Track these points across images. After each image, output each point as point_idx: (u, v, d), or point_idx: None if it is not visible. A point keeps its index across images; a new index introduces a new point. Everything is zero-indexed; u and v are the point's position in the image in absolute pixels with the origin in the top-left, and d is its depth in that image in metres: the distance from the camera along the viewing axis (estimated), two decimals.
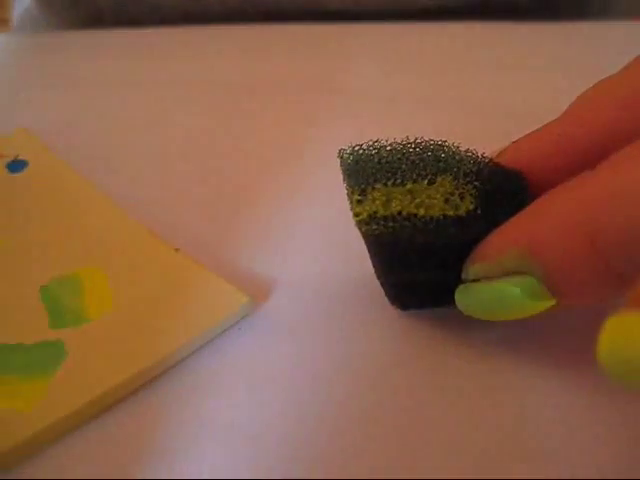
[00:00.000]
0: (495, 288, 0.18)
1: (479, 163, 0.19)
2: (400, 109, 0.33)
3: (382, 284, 0.21)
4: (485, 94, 0.34)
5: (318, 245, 0.24)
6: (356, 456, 0.18)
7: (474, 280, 0.19)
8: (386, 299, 0.21)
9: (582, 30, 0.39)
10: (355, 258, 0.21)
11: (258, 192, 0.28)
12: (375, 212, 0.18)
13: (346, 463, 0.18)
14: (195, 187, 0.28)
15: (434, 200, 0.18)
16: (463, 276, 0.19)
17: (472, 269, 0.19)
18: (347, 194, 0.18)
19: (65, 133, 0.32)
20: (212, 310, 0.21)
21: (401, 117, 0.32)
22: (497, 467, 0.17)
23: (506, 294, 0.18)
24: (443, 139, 0.19)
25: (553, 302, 0.17)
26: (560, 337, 0.20)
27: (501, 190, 0.18)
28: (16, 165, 0.29)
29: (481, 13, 0.41)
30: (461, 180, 0.18)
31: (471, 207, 0.18)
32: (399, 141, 0.19)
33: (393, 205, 0.18)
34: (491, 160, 0.19)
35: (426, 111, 0.32)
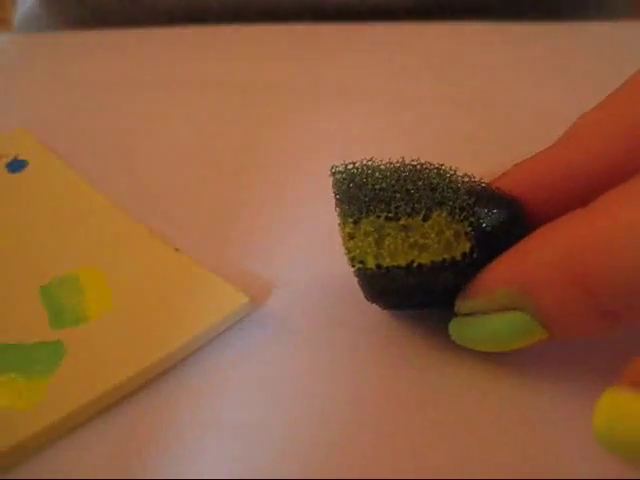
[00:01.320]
0: (488, 323, 0.18)
1: (476, 193, 0.18)
2: (400, 109, 0.33)
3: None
4: (485, 94, 0.34)
5: (318, 245, 0.24)
6: (356, 456, 0.18)
7: (467, 314, 0.19)
8: None
9: (582, 30, 0.39)
10: None
11: (258, 192, 0.28)
12: (367, 251, 0.17)
13: (346, 463, 0.18)
14: (195, 187, 0.28)
15: (428, 240, 0.17)
16: (456, 310, 0.19)
17: (465, 305, 0.19)
18: (339, 223, 0.18)
19: (65, 133, 0.32)
20: (212, 310, 0.21)
21: (401, 117, 0.32)
22: (496, 467, 0.17)
23: (499, 329, 0.18)
24: (440, 163, 0.19)
25: (545, 336, 0.17)
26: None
27: (498, 226, 0.18)
28: (16, 165, 0.29)
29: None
30: (457, 216, 0.18)
31: (467, 249, 0.17)
32: (394, 162, 0.19)
33: (386, 244, 0.17)
34: (488, 187, 0.19)
35: (426, 111, 0.32)
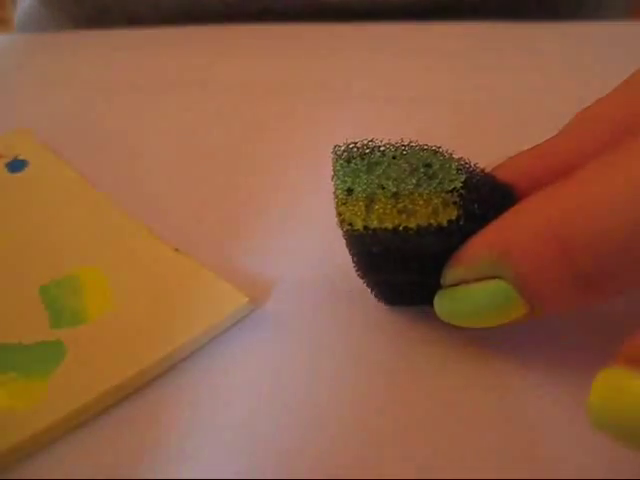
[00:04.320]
0: (469, 292, 0.18)
1: (469, 172, 0.19)
2: (400, 109, 0.33)
3: (364, 282, 0.21)
4: (486, 94, 0.34)
5: (318, 245, 0.24)
6: (357, 456, 0.18)
7: (452, 286, 0.19)
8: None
9: (582, 30, 0.39)
10: None
11: (258, 192, 0.28)
12: (357, 213, 0.18)
13: (346, 463, 0.18)
14: (195, 187, 0.28)
15: (417, 207, 0.18)
16: (442, 281, 0.19)
17: (449, 274, 0.19)
18: (333, 192, 0.19)
19: (65, 133, 0.32)
20: (212, 310, 0.21)
21: (401, 118, 0.32)
22: (496, 467, 0.17)
23: (480, 299, 0.18)
24: (437, 145, 0.19)
25: (526, 308, 0.17)
26: (560, 336, 0.20)
27: (487, 201, 0.18)
28: (16, 165, 0.29)
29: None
30: (446, 187, 0.18)
31: (453, 217, 0.18)
32: (394, 142, 0.19)
33: (375, 208, 0.18)
34: (482, 171, 0.19)
35: (426, 111, 0.32)
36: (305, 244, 0.25)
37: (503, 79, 0.35)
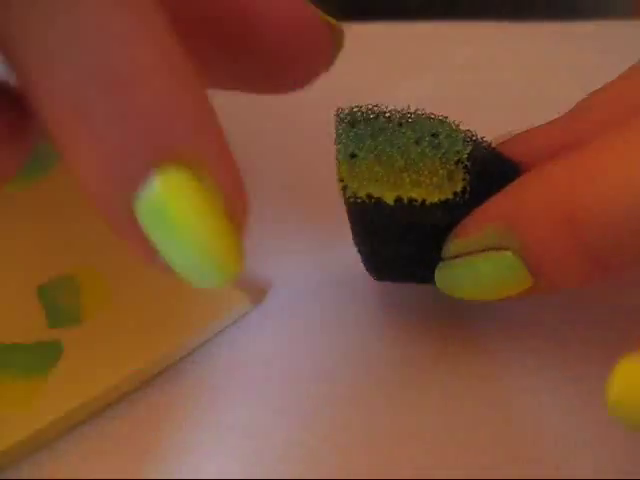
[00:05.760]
0: (473, 263, 0.18)
1: (476, 145, 0.18)
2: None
3: (359, 251, 0.21)
4: (486, 94, 0.34)
5: (317, 245, 0.24)
6: (357, 456, 0.18)
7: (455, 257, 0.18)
8: (385, 298, 0.21)
9: (582, 30, 0.39)
10: (354, 258, 0.21)
11: (257, 191, 0.27)
12: (360, 180, 0.18)
13: (346, 463, 0.18)
14: None
15: (422, 177, 0.17)
16: (443, 254, 0.19)
17: (452, 245, 0.18)
18: (335, 156, 0.18)
19: None
20: (210, 310, 0.21)
21: None
22: (496, 467, 0.17)
23: (484, 270, 0.18)
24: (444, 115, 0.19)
25: (530, 281, 0.17)
26: (560, 336, 0.20)
27: (492, 174, 0.18)
28: None
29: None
30: (452, 159, 0.18)
31: (459, 189, 0.17)
32: (399, 109, 0.19)
33: (379, 175, 0.18)
34: (489, 145, 0.19)
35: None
36: (305, 244, 0.24)
37: (503, 79, 0.35)
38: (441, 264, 0.19)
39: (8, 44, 0.13)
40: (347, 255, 0.20)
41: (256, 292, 0.22)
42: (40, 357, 0.20)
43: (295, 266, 0.24)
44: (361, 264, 0.21)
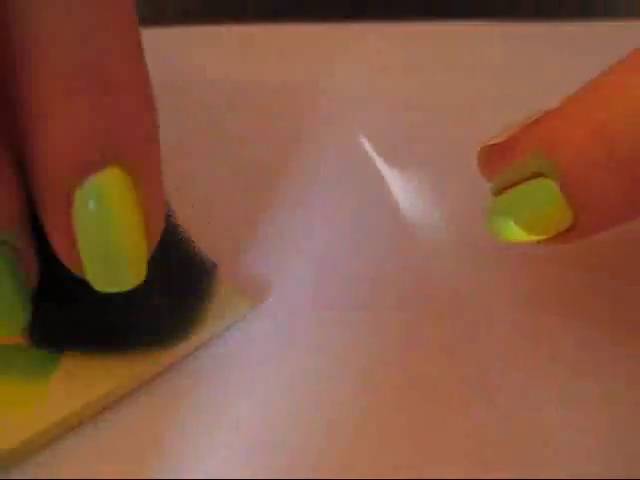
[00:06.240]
0: (515, 194, 0.18)
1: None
2: (400, 110, 0.33)
3: None
4: (486, 94, 0.34)
5: (317, 246, 0.24)
6: (357, 456, 0.18)
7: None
8: (385, 300, 0.21)
9: (583, 29, 0.39)
10: (353, 258, 0.21)
11: (257, 191, 0.28)
12: None
13: (346, 463, 0.18)
14: (193, 186, 0.28)
15: None
16: (492, 190, 0.19)
17: (497, 180, 0.18)
18: None
19: None
20: (210, 310, 0.21)
21: (401, 118, 0.32)
22: (495, 467, 0.17)
23: (524, 200, 0.17)
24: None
25: (569, 213, 0.17)
26: (559, 335, 0.20)
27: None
28: None
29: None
30: None
31: None
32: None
33: None
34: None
35: (425, 112, 0.32)
36: (305, 244, 0.25)
37: (503, 79, 0.35)
38: (489, 204, 0.19)
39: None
40: (347, 255, 0.20)
41: (256, 292, 0.22)
42: (41, 359, 0.20)
43: (296, 266, 0.24)
44: (360, 263, 0.21)
